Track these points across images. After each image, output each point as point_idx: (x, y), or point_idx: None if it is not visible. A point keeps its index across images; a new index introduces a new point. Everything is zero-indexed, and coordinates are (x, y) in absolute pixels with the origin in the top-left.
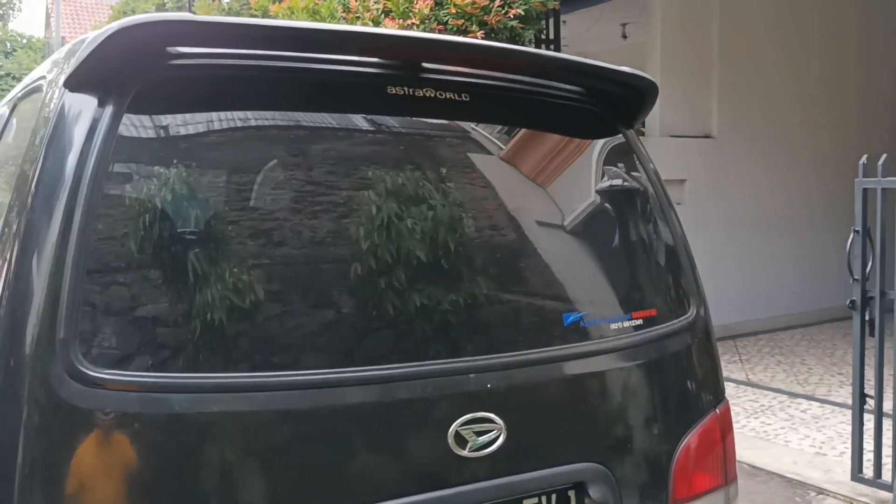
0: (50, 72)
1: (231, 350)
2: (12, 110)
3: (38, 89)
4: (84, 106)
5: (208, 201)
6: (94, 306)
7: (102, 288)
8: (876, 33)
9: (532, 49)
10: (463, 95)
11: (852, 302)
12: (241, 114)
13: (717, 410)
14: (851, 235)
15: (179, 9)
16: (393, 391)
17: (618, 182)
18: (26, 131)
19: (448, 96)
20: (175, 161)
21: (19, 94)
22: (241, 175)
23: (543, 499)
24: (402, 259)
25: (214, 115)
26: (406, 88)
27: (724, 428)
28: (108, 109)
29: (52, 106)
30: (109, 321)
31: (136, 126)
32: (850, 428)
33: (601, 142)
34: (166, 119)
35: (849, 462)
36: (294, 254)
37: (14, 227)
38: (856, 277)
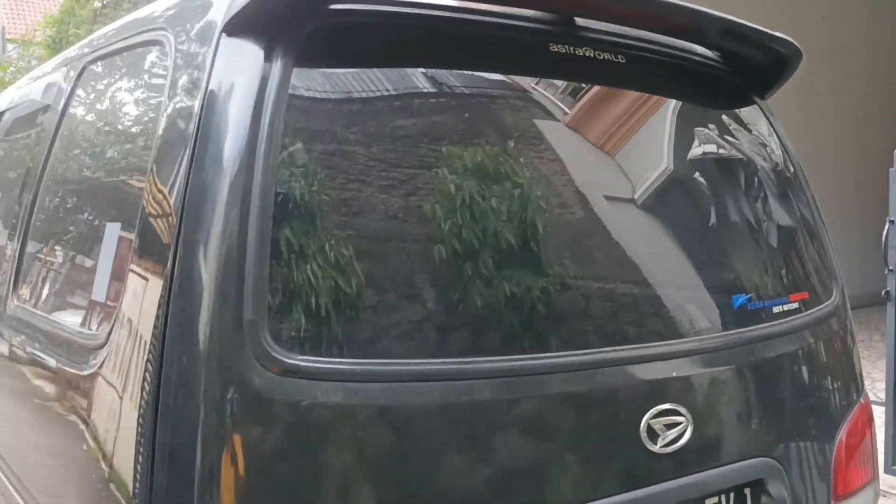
0: (171, 23)
1: (432, 335)
2: (80, 75)
3: (151, 43)
4: (249, 58)
5: (395, 169)
6: (282, 283)
7: (289, 263)
8: None
9: (696, 6)
10: (619, 56)
11: (887, 293)
12: (408, 73)
13: (862, 400)
14: (887, 225)
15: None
16: (590, 380)
17: (756, 157)
18: (132, 96)
19: (605, 57)
20: (351, 126)
21: (90, 57)
22: (427, 142)
23: (723, 498)
24: (586, 240)
25: (384, 72)
26: (567, 46)
27: (869, 418)
28: (278, 62)
29: (198, 61)
30: (300, 299)
31: (307, 83)
32: (883, 418)
33: (735, 112)
34: (335, 76)
35: (881, 454)
36: (492, 230)
37: (176, 196)
38: (891, 268)
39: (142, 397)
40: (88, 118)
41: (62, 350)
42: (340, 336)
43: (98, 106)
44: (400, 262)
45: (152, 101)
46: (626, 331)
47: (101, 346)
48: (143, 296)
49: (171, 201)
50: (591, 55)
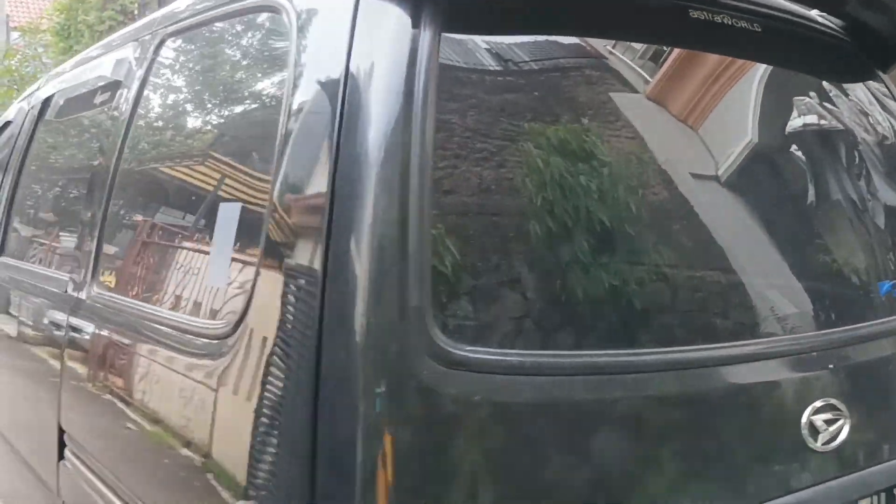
0: None
1: (605, 324)
2: (158, 47)
3: (259, 9)
4: (395, 24)
5: (559, 144)
6: (446, 268)
7: (453, 247)
8: None
9: None
10: (755, 25)
11: None
12: (552, 40)
13: None
14: None
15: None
16: (754, 372)
17: (884, 134)
18: (236, 69)
19: (742, 25)
20: (503, 96)
21: (170, 29)
22: (583, 114)
23: (875, 499)
24: (738, 230)
25: (526, 38)
26: (707, 13)
27: None
28: (427, 28)
29: (334, 28)
30: (464, 286)
31: (455, 51)
32: None
33: (858, 85)
34: (482, 42)
35: None
36: (674, 215)
37: (322, 178)
38: None
39: (296, 392)
40: (177, 96)
41: (167, 339)
42: (508, 326)
43: (189, 83)
44: (572, 245)
45: (270, 76)
46: (784, 321)
47: (226, 336)
48: (287, 284)
49: (317, 182)
50: (729, 22)
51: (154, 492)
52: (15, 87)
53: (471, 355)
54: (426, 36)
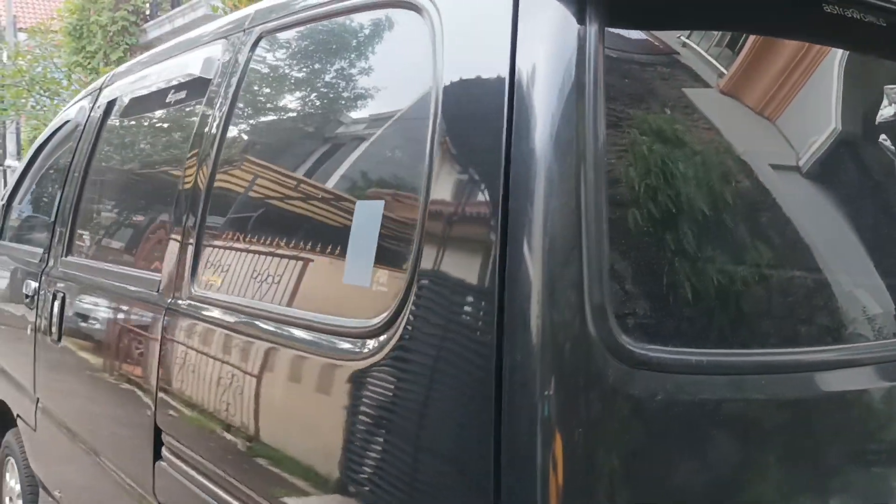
0: None
1: (787, 323)
2: (255, 44)
3: (391, 4)
4: (559, 18)
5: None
6: (624, 265)
7: (631, 244)
8: None
9: None
10: (881, 19)
11: None
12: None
13: None
14: None
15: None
16: None
17: None
18: (358, 67)
19: (869, 20)
20: (665, 90)
21: (270, 26)
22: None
23: None
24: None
25: (678, 32)
26: (839, 7)
27: None
28: (592, 22)
29: (490, 26)
30: (643, 283)
31: (619, 44)
32: None
33: None
34: (640, 34)
35: None
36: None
37: (490, 173)
38: None
39: (475, 392)
40: (282, 94)
41: (292, 338)
42: (686, 324)
43: (296, 81)
44: (748, 242)
45: (407, 75)
46: None
47: (375, 335)
48: (455, 285)
49: (487, 182)
50: (858, 17)
51: (284, 490)
52: (25, 87)
53: (652, 354)
54: (591, 30)
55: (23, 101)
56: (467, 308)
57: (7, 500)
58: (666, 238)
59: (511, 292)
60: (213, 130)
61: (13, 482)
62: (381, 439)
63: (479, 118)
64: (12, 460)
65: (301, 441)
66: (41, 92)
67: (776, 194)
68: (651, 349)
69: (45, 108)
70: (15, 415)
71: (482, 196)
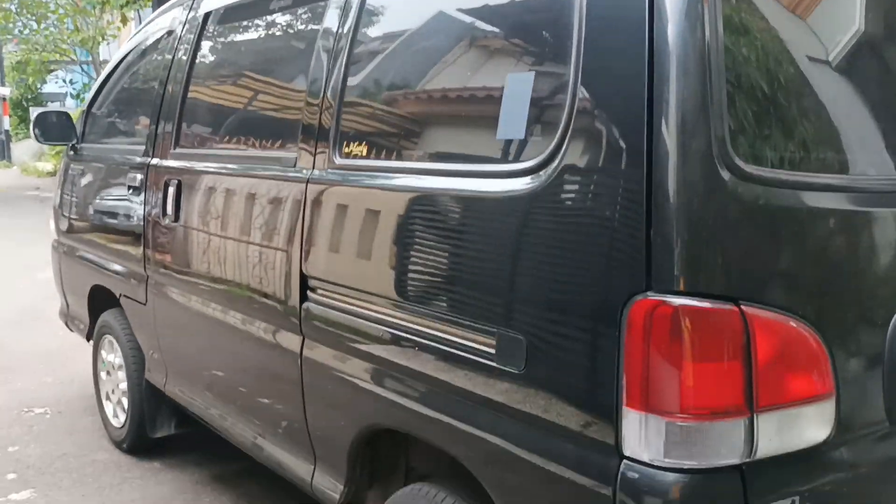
0: None
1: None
2: None
3: None
4: None
5: None
6: (738, 97)
7: (745, 80)
8: None
9: None
10: None
11: None
12: None
13: None
14: None
15: None
16: None
17: None
18: None
19: None
20: None
21: None
22: None
23: None
24: None
25: None
26: None
27: None
28: None
29: None
30: (751, 124)
31: None
32: None
33: None
34: None
35: None
36: None
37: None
38: None
39: (620, 202)
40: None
41: (448, 187)
42: (780, 153)
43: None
44: (818, 100)
45: None
46: None
47: (541, 168)
48: (606, 123)
49: (629, 57)
50: None
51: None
52: (14, 11)
53: (755, 172)
54: None
55: (10, 25)
56: (616, 146)
57: (104, 373)
58: (764, 96)
59: (655, 133)
60: (348, 19)
61: (111, 357)
62: (543, 258)
63: (622, 12)
64: (110, 337)
65: (454, 272)
66: (29, 16)
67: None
68: (754, 168)
69: (33, 32)
70: (118, 295)
71: (629, 65)
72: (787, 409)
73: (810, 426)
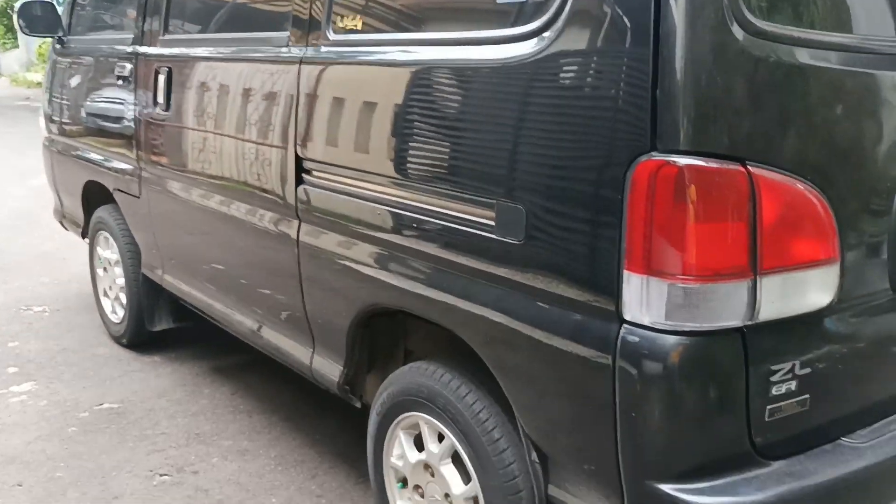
0: None
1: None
2: None
3: None
4: None
5: None
6: None
7: None
8: None
9: None
10: None
11: None
12: None
13: None
14: None
15: None
16: None
17: None
18: None
19: None
20: None
21: None
22: None
23: None
24: None
25: None
26: None
27: None
28: None
29: None
30: None
31: None
32: None
33: None
34: None
35: None
36: None
37: None
38: None
39: (636, 47)
40: None
41: (450, 58)
42: (792, 10)
43: None
44: None
45: None
46: None
47: (545, 29)
48: None
49: None
50: None
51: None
52: None
53: (767, 28)
54: None
55: None
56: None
57: (101, 270)
58: None
59: None
60: None
61: (107, 253)
62: (545, 124)
63: None
64: (105, 233)
65: (454, 144)
66: None
67: None
68: (766, 24)
69: None
70: (112, 190)
71: None
72: (791, 272)
73: (813, 291)
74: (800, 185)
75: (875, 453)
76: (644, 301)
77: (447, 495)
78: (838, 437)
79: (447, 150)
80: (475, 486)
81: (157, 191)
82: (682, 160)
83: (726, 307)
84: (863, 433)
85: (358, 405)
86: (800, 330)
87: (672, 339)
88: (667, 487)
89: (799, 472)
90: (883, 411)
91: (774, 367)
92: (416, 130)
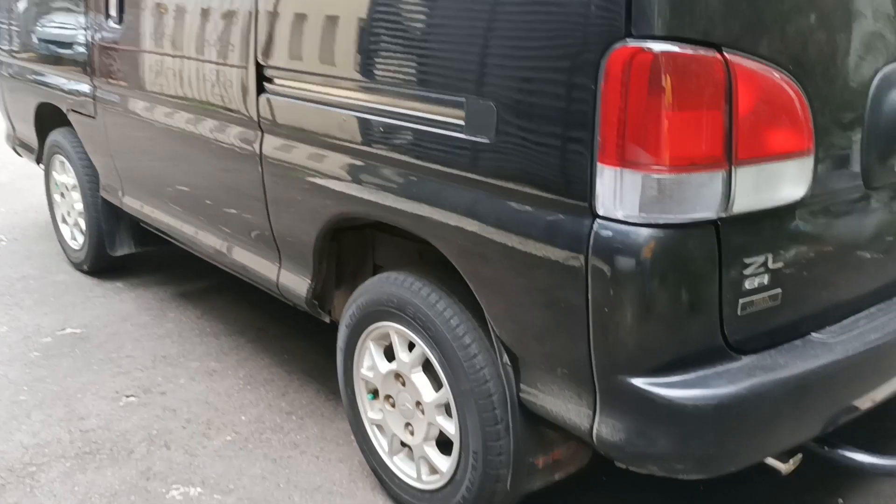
0: None
1: None
2: None
3: None
4: None
5: None
6: None
7: None
8: None
9: None
10: None
11: None
12: None
13: None
14: None
15: None
16: None
17: None
18: None
19: None
20: None
21: None
22: None
23: None
24: None
25: None
26: None
27: None
28: None
29: None
30: None
31: None
32: None
33: None
34: None
35: None
36: None
37: None
38: None
39: None
40: None
41: None
42: None
43: None
44: None
45: None
46: None
47: None
48: None
49: None
50: None
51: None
52: None
53: None
54: None
55: None
56: None
57: (58, 195)
58: None
59: None
60: None
61: (64, 177)
62: (516, 15)
63: None
64: (61, 157)
65: (421, 42)
66: None
67: None
68: None
69: None
70: (66, 111)
71: None
72: (766, 163)
73: (787, 183)
74: (776, 75)
75: (844, 348)
76: (617, 194)
77: (418, 403)
78: (808, 333)
79: (415, 47)
80: (446, 393)
81: (113, 111)
82: (658, 46)
83: (701, 199)
84: (832, 329)
85: (327, 320)
86: (773, 224)
87: (646, 232)
88: (639, 382)
89: (769, 365)
90: (852, 308)
91: (747, 261)
92: (382, 29)
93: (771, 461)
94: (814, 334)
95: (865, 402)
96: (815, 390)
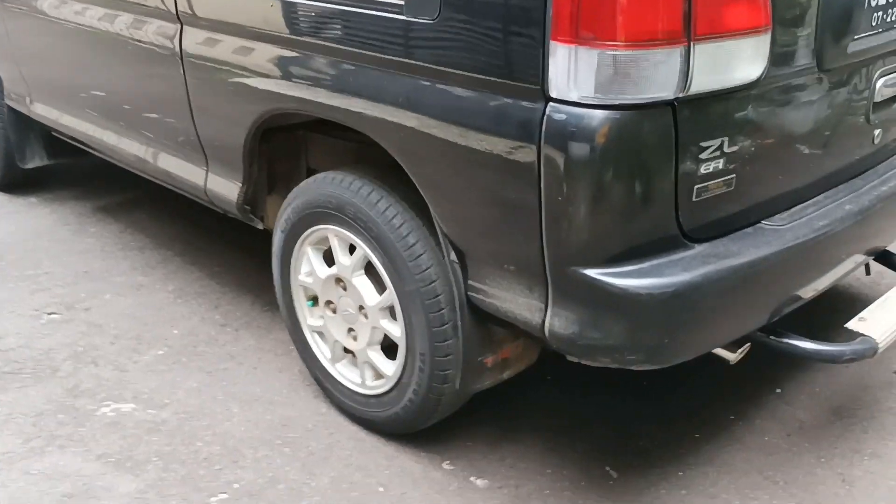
0: None
1: None
2: None
3: None
4: None
5: None
6: None
7: None
8: None
9: None
10: None
11: None
12: None
13: None
14: None
15: None
16: None
17: None
18: None
19: None
20: None
21: None
22: None
23: None
24: None
25: None
26: None
27: None
28: None
29: None
30: None
31: None
32: None
33: None
34: None
35: None
36: None
37: None
38: None
39: None
40: None
41: None
42: None
43: None
44: None
45: None
46: None
47: None
48: None
49: None
50: None
51: None
52: None
53: None
54: None
55: None
56: None
57: None
58: None
59: None
60: None
61: None
62: None
63: None
64: None
65: None
66: None
67: None
68: None
69: None
70: None
71: None
72: (724, 40)
73: (744, 62)
74: None
75: (794, 234)
76: (572, 74)
77: (361, 307)
78: (759, 221)
79: None
80: (391, 295)
81: (16, 9)
82: None
83: (658, 78)
84: (782, 216)
85: (260, 227)
86: (729, 105)
87: (601, 113)
88: (594, 272)
89: (722, 252)
90: (801, 196)
91: (704, 144)
92: None
93: (719, 351)
94: (764, 222)
95: (809, 292)
96: (767, 278)
